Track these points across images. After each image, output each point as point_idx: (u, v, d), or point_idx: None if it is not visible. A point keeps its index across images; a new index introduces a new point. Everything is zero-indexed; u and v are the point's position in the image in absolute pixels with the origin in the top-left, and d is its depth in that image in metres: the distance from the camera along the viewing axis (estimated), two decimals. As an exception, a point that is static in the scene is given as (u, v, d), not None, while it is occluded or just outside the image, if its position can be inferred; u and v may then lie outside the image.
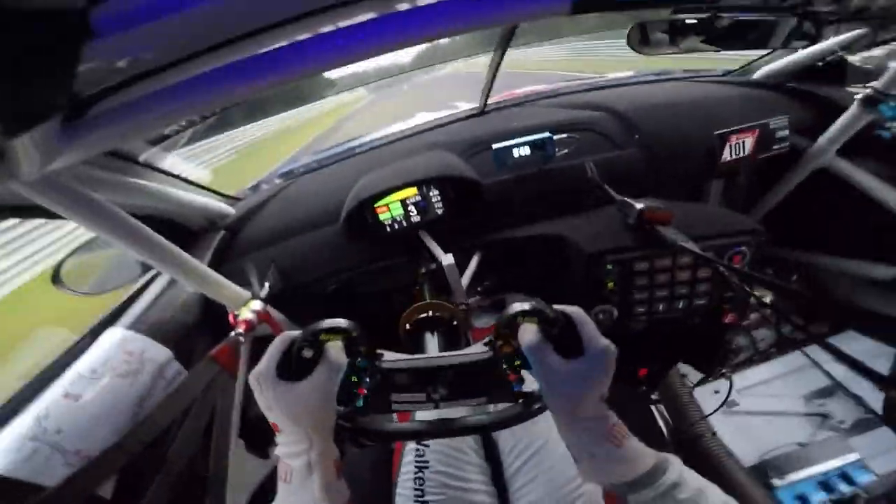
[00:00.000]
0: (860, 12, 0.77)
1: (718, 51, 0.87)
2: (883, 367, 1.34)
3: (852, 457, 1.24)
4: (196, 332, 1.13)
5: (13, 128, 0.37)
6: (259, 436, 1.28)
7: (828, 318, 1.66)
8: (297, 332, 0.60)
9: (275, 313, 1.15)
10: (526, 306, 0.59)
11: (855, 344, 1.51)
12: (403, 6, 0.52)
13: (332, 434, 0.58)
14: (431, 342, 0.88)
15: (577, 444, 0.56)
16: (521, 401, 0.63)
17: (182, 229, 1.23)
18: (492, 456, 0.90)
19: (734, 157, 1.25)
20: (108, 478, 0.80)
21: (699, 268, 1.05)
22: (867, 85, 1.17)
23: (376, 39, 0.54)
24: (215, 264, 1.10)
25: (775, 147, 1.27)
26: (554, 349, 0.56)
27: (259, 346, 1.22)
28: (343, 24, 0.51)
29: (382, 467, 0.95)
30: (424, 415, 0.78)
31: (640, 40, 0.87)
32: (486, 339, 0.63)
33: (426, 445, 0.86)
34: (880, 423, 1.32)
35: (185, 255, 0.95)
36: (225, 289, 1.06)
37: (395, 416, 0.72)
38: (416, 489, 0.81)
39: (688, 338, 1.22)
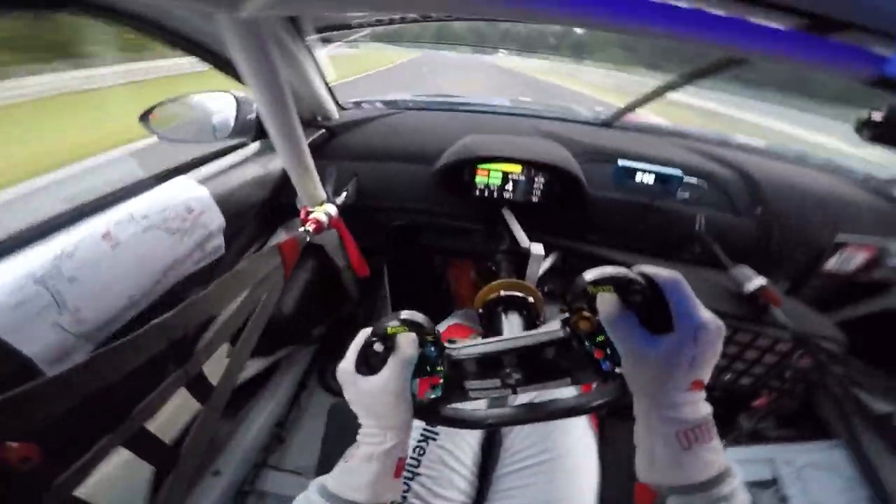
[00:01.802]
0: None
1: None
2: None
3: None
4: (250, 215, 1.00)
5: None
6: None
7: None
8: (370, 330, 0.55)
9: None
10: (603, 273, 0.44)
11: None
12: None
13: (406, 430, 0.54)
14: (510, 322, 0.76)
15: (644, 432, 0.43)
16: (611, 382, 0.50)
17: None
18: (488, 448, 0.82)
19: (837, 268, 1.12)
20: (133, 364, 0.57)
21: (768, 353, 1.00)
22: None
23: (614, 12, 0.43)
24: None
25: (877, 275, 1.15)
26: (641, 322, 0.43)
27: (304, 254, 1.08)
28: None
29: None
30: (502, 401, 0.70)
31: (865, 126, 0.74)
32: (563, 317, 0.51)
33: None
34: None
35: (302, 135, 0.83)
36: (311, 181, 0.93)
37: (481, 402, 0.62)
38: (413, 458, 0.74)
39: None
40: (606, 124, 1.31)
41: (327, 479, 0.51)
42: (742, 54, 0.50)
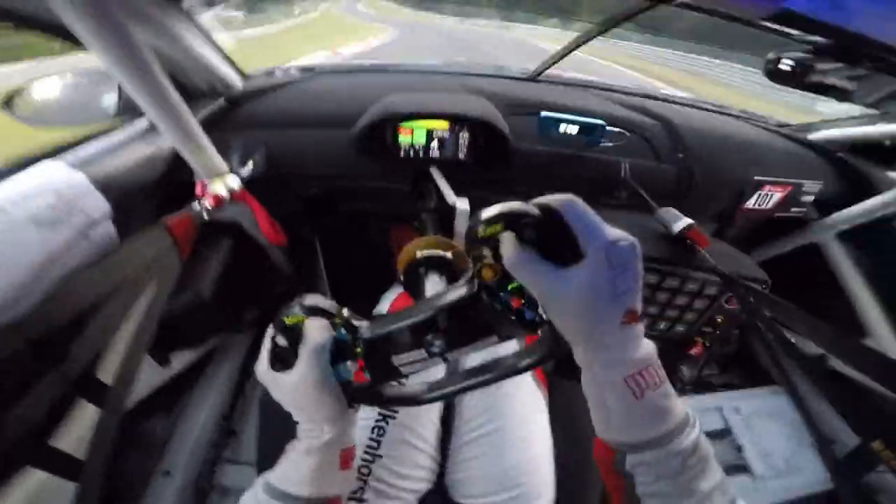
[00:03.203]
0: None
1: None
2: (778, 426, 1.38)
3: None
4: (143, 198, 0.89)
5: None
6: (163, 337, 1.04)
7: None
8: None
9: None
10: (490, 212, 0.38)
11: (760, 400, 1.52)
12: None
13: (343, 419, 0.50)
14: (432, 283, 0.72)
15: (591, 385, 0.38)
16: (544, 328, 0.44)
17: (179, 87, 0.96)
18: (447, 416, 0.78)
19: (756, 206, 1.15)
20: None
21: (698, 297, 0.99)
22: None
23: None
24: (204, 131, 0.84)
25: (794, 210, 1.19)
26: (545, 257, 0.37)
27: (207, 232, 0.95)
28: None
29: None
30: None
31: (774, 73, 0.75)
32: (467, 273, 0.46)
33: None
34: (743, 471, 1.32)
35: (184, 106, 0.74)
36: (205, 154, 0.83)
37: (420, 378, 0.55)
38: (371, 439, 0.69)
39: None
40: (532, 79, 1.26)
41: (270, 476, 0.49)
42: None
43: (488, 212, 0.38)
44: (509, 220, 0.38)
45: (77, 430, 0.69)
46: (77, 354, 0.62)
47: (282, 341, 0.49)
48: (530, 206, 0.38)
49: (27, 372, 0.56)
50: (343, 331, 0.49)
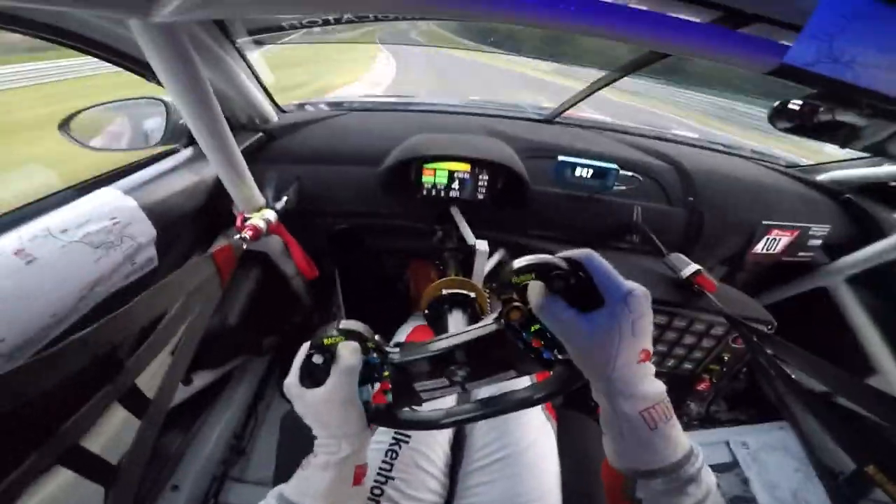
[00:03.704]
0: None
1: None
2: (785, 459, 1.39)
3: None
4: (184, 225, 0.94)
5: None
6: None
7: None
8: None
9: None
10: (523, 262, 0.44)
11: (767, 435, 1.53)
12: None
13: (361, 437, 0.53)
14: (455, 319, 0.77)
15: (608, 416, 0.43)
16: (559, 368, 0.50)
17: (225, 118, 1.04)
18: (457, 445, 0.81)
19: (764, 251, 1.18)
20: (55, 381, 0.53)
21: (705, 337, 1.02)
22: None
23: (536, 9, 0.44)
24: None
25: (801, 254, 1.21)
26: (569, 304, 0.43)
27: (241, 262, 1.04)
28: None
29: None
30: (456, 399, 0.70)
31: (779, 114, 0.80)
32: (497, 311, 0.51)
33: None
34: (751, 502, 1.33)
35: (232, 139, 0.79)
36: (246, 186, 0.89)
37: (436, 403, 0.60)
38: (385, 461, 0.72)
39: None
40: (549, 120, 1.32)
41: (285, 488, 0.51)
42: (663, 48, 0.52)
43: (521, 262, 0.44)
44: (540, 271, 0.44)
45: (107, 436, 0.76)
46: (129, 369, 0.67)
47: (318, 359, 0.51)
48: (559, 260, 0.44)
49: (86, 383, 0.61)
50: (374, 354, 0.53)
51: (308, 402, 0.51)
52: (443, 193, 1.11)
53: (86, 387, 0.61)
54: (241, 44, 0.95)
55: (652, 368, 0.43)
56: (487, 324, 0.51)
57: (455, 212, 1.10)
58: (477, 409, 0.55)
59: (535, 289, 0.44)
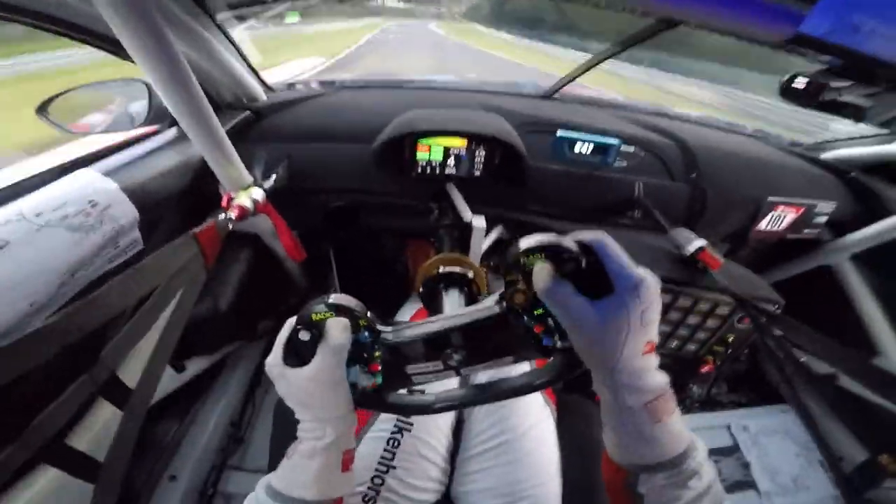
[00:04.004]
0: None
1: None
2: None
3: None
4: (170, 206, 0.91)
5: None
6: (180, 345, 1.06)
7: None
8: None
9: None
10: (533, 241, 0.41)
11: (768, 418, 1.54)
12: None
13: (347, 420, 0.50)
14: (449, 299, 0.74)
15: (610, 405, 0.41)
16: (556, 356, 0.48)
17: (209, 97, 1.00)
18: (458, 431, 0.80)
19: (769, 227, 1.16)
20: (25, 368, 0.52)
21: (709, 317, 1.00)
22: None
23: None
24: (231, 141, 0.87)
25: (806, 231, 1.19)
26: (577, 289, 0.40)
27: (229, 242, 1.00)
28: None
29: None
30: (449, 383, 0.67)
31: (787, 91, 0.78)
32: (500, 292, 0.48)
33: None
34: (749, 487, 1.34)
35: (215, 118, 0.76)
36: (232, 165, 0.85)
37: (425, 387, 0.57)
38: (387, 450, 0.71)
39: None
40: (547, 96, 1.29)
41: (272, 478, 0.48)
42: (677, 14, 0.49)
43: (529, 241, 0.41)
44: (550, 252, 0.41)
45: (93, 431, 0.72)
46: (106, 358, 0.65)
47: (304, 336, 0.48)
48: (570, 241, 0.41)
49: (60, 373, 0.58)
50: (366, 333, 0.50)
51: (292, 383, 0.48)
52: (438, 170, 1.08)
53: (61, 379, 0.58)
54: (223, 20, 0.91)
55: (656, 360, 0.41)
56: (488, 306, 0.49)
57: (451, 188, 1.07)
58: (470, 394, 0.53)
59: (544, 272, 0.41)
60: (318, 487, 0.46)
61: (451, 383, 0.73)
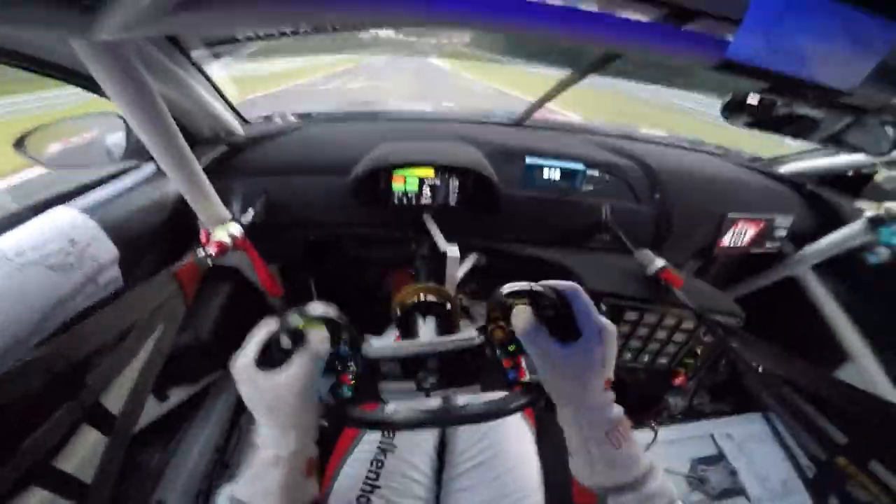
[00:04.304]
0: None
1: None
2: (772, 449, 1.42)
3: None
4: (149, 243, 0.93)
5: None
6: (163, 374, 1.07)
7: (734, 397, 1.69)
8: (276, 321, 0.52)
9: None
10: (518, 287, 0.49)
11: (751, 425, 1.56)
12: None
13: (311, 429, 0.50)
14: (426, 327, 0.76)
15: (575, 435, 0.48)
16: (518, 388, 0.53)
17: (187, 133, 1.02)
18: (442, 451, 0.83)
19: (732, 244, 1.21)
20: (11, 397, 0.54)
21: (676, 331, 1.04)
22: (881, 204, 1.12)
23: (490, 12, 0.46)
24: (207, 177, 0.90)
25: (768, 245, 1.25)
26: (550, 332, 0.47)
27: (209, 276, 1.02)
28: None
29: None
30: (418, 403, 0.67)
31: (733, 109, 0.80)
32: (479, 326, 0.54)
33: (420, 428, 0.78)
34: (740, 494, 1.36)
35: (190, 154, 0.78)
36: (210, 201, 0.88)
37: (387, 404, 0.61)
38: (371, 471, 0.72)
39: (633, 387, 1.20)
40: (518, 123, 1.34)
41: (235, 488, 0.47)
42: (613, 47, 0.53)
43: (515, 286, 0.48)
44: (533, 297, 0.48)
45: (80, 455, 0.73)
46: (91, 386, 0.67)
47: (286, 342, 0.48)
48: (548, 290, 0.48)
49: (48, 400, 0.60)
50: (345, 347, 0.52)
51: (262, 387, 0.47)
52: (414, 201, 1.11)
53: (48, 405, 0.60)
54: (199, 57, 0.94)
55: (613, 395, 0.48)
56: (469, 336, 0.54)
57: (427, 219, 1.10)
58: (433, 416, 0.54)
59: (524, 314, 0.48)
60: (284, 496, 0.46)
61: (417, 404, 0.75)
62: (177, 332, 0.88)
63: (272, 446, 0.47)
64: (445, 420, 0.55)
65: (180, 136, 0.77)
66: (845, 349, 1.28)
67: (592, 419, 0.46)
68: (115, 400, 0.73)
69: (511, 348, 0.51)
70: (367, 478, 0.72)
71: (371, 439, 0.77)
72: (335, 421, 0.53)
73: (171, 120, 0.73)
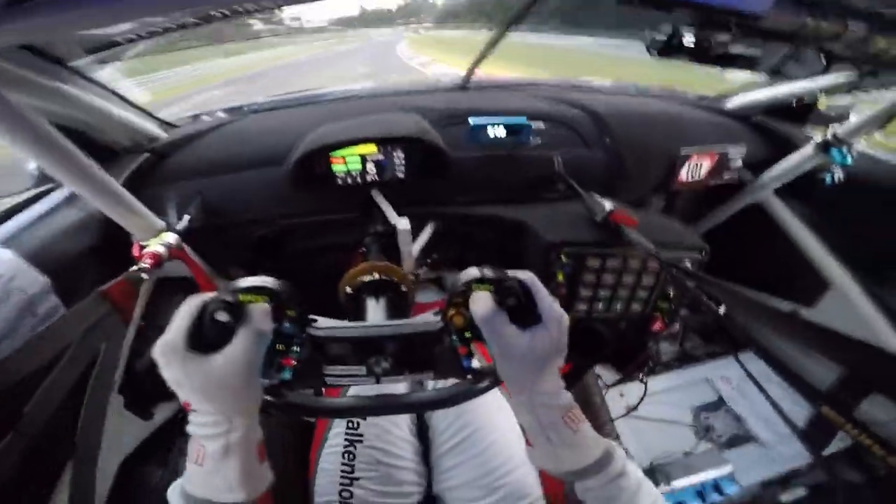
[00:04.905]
0: (876, 57, 0.70)
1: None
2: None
3: (726, 469, 1.27)
4: (85, 264, 0.89)
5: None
6: (142, 392, 1.05)
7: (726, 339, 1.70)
8: (210, 295, 0.45)
9: (190, 252, 0.94)
10: (480, 272, 0.48)
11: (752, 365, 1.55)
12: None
13: (256, 412, 0.46)
14: (375, 309, 0.75)
15: (532, 424, 0.48)
16: (470, 377, 0.52)
17: (99, 146, 0.97)
18: (423, 434, 0.82)
19: (690, 178, 1.21)
20: None
21: (643, 274, 1.02)
22: (828, 128, 1.15)
23: None
24: (131, 188, 0.86)
25: (726, 176, 1.26)
26: (508, 319, 0.48)
27: (163, 288, 0.99)
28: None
29: (297, 435, 0.81)
30: (362, 389, 0.68)
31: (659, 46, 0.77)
32: (437, 310, 0.53)
33: (362, 418, 0.75)
34: (750, 440, 1.38)
35: (96, 166, 0.73)
36: (136, 214, 0.83)
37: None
38: (345, 464, 0.71)
39: (614, 339, 1.17)
40: (462, 87, 1.31)
41: (187, 486, 0.43)
42: None
43: (479, 271, 0.48)
44: (494, 284, 0.47)
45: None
46: (32, 414, 0.65)
47: (223, 316, 0.43)
48: (511, 277, 0.49)
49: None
50: (288, 324, 0.48)
51: (197, 371, 0.42)
52: (360, 179, 1.08)
53: None
54: (83, 66, 0.86)
55: (563, 382, 0.50)
56: (428, 321, 0.52)
57: (376, 195, 1.07)
58: (378, 403, 0.52)
59: (484, 299, 0.48)
60: (246, 485, 0.43)
61: (363, 390, 0.73)
62: (140, 349, 0.89)
63: (215, 437, 0.42)
64: (391, 408, 0.55)
65: (79, 153, 0.71)
66: (824, 275, 1.29)
67: (548, 404, 0.47)
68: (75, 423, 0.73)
69: (468, 335, 0.51)
70: (342, 471, 0.71)
71: (337, 432, 0.76)
72: (269, 406, 0.48)
73: (61, 137, 0.68)
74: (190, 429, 0.44)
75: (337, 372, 0.52)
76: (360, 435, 0.74)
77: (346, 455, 0.72)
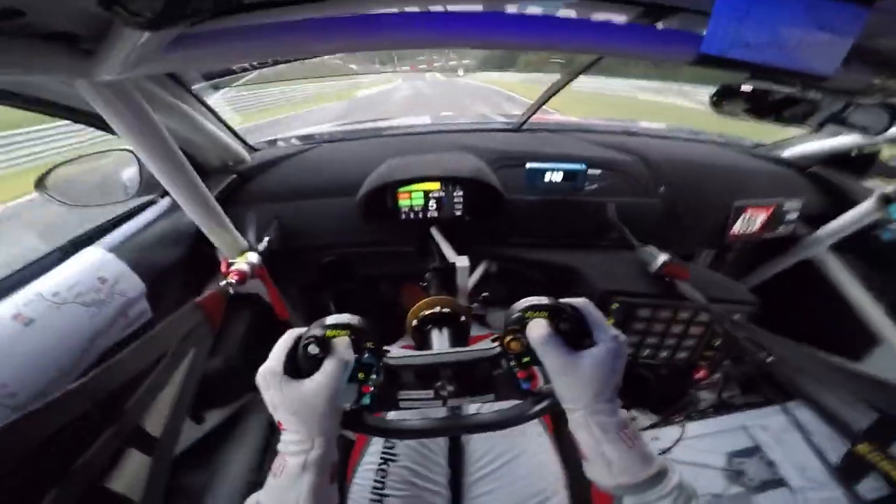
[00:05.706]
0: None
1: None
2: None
3: (754, 512, 1.25)
4: (173, 274, 0.99)
5: (156, 23, 0.34)
6: (198, 398, 1.12)
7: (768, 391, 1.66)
8: (303, 329, 0.54)
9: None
10: (536, 301, 0.53)
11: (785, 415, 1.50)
12: (512, 8, 0.50)
13: (335, 435, 0.52)
14: (439, 339, 0.80)
15: (588, 440, 0.51)
16: (530, 398, 0.57)
17: (196, 165, 1.08)
18: (455, 460, 0.84)
19: (743, 231, 1.22)
20: (56, 426, 0.60)
21: (692, 324, 1.04)
22: (891, 181, 1.14)
23: (473, 32, 0.50)
24: (221, 206, 0.96)
25: (781, 229, 1.26)
26: (564, 342, 0.51)
27: (233, 304, 1.08)
28: (451, 7, 0.49)
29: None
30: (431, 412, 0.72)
31: (721, 100, 0.80)
32: (495, 336, 0.57)
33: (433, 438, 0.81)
34: (780, 485, 1.29)
35: (203, 186, 0.84)
36: (226, 231, 0.94)
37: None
38: (376, 481, 0.75)
39: (657, 384, 1.20)
40: (517, 129, 1.38)
41: (262, 498, 0.49)
42: (593, 51, 0.56)
43: (534, 300, 0.53)
44: (551, 311, 0.52)
45: (128, 477, 0.79)
46: (130, 412, 0.73)
47: (314, 350, 0.50)
48: (565, 304, 0.53)
49: (92, 427, 0.67)
50: (368, 355, 0.55)
51: (291, 395, 0.49)
52: (421, 215, 1.15)
53: (92, 431, 0.67)
54: (199, 89, 0.99)
55: (620, 401, 0.52)
56: (488, 348, 0.57)
57: (435, 232, 1.14)
58: (446, 424, 0.59)
59: (540, 325, 0.51)
60: (314, 502, 0.47)
61: (433, 413, 0.78)
62: (206, 358, 0.94)
63: (297, 452, 0.49)
64: (463, 428, 0.60)
65: (190, 168, 0.82)
66: (873, 332, 1.26)
67: (603, 421, 0.49)
68: (156, 423, 0.79)
69: (526, 360, 0.54)
70: (374, 488, 0.75)
71: (374, 450, 0.80)
72: (350, 428, 0.56)
73: (180, 152, 0.79)
74: (280, 446, 0.51)
75: (409, 396, 0.57)
76: (396, 454, 0.79)
77: (379, 472, 0.77)
